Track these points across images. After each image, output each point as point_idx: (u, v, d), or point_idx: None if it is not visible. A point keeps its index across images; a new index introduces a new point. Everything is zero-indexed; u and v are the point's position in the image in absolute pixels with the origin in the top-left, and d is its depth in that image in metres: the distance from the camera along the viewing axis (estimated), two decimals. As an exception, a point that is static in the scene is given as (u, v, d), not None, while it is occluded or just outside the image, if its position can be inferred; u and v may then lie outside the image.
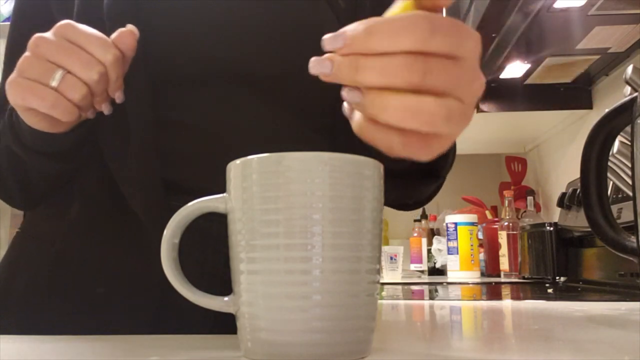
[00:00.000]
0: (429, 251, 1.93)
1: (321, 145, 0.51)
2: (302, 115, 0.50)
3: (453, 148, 0.48)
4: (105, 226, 0.48)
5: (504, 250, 1.60)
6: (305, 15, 0.49)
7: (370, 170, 0.30)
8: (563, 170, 1.67)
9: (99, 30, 0.41)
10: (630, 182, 0.59)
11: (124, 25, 0.42)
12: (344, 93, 0.29)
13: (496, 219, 1.80)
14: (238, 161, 0.30)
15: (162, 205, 0.43)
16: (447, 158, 0.46)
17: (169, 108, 0.47)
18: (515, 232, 1.57)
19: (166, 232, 0.32)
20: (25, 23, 0.51)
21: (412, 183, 0.46)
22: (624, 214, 0.94)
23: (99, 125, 0.46)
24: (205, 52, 0.46)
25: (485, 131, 1.75)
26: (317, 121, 0.52)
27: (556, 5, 1.01)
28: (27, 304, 0.48)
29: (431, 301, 0.85)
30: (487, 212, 1.95)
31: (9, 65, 0.49)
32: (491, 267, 1.71)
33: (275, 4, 0.48)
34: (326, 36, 0.28)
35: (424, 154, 0.30)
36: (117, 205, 0.46)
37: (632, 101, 0.54)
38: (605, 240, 0.55)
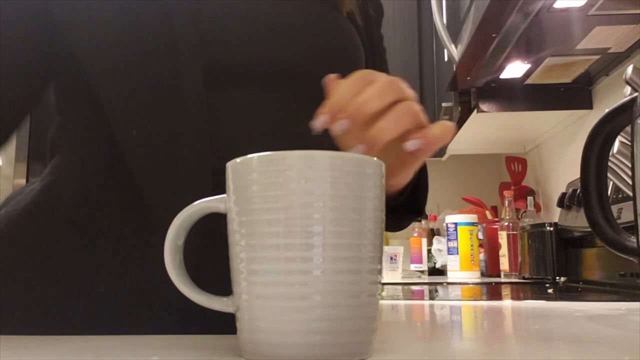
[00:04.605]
0: (429, 251, 1.93)
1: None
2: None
3: (425, 186, 0.56)
4: (114, 231, 0.47)
5: (504, 251, 1.60)
6: (335, 24, 0.53)
7: (372, 169, 0.30)
8: (563, 170, 1.67)
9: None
10: (630, 182, 0.59)
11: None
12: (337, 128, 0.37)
13: (496, 219, 1.80)
14: (237, 160, 0.30)
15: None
16: (425, 195, 0.56)
17: (217, 106, 0.47)
18: (515, 232, 1.57)
19: (169, 234, 0.32)
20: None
21: (399, 218, 0.56)
22: (624, 214, 0.94)
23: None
24: (255, 49, 0.48)
25: (485, 131, 1.75)
26: None
27: (556, 5, 1.01)
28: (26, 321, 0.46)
29: (431, 301, 0.85)
30: (487, 212, 1.95)
31: None
32: (491, 267, 1.72)
33: (309, 12, 0.52)
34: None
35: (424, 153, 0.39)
36: (124, 208, 0.46)
37: (632, 101, 0.54)
38: (605, 240, 0.55)
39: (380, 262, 0.31)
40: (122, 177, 0.46)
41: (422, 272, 1.89)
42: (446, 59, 1.56)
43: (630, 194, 0.53)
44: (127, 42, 0.45)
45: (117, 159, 0.46)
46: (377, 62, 0.60)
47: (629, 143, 0.54)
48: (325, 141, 0.53)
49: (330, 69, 0.51)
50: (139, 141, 0.45)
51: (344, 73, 0.53)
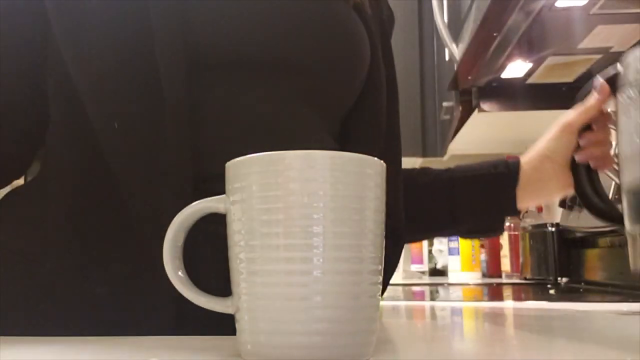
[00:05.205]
0: (429, 252, 1.92)
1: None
2: (322, 114, 0.51)
3: None
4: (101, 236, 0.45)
5: (505, 251, 1.59)
6: (335, 15, 0.51)
7: (372, 169, 0.30)
8: (564, 170, 1.66)
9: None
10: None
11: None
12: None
13: (497, 220, 1.79)
14: (237, 160, 0.30)
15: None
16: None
17: (200, 97, 0.46)
18: (516, 233, 1.56)
19: (168, 235, 0.32)
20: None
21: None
22: (626, 214, 0.94)
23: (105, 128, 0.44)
24: (239, 39, 0.47)
25: (487, 131, 1.74)
26: (335, 125, 0.54)
27: (558, 4, 1.01)
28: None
29: (432, 302, 0.85)
30: (489, 213, 1.94)
31: None
32: (492, 268, 1.71)
33: (309, 3, 0.50)
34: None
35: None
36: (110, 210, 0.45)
37: (615, 77, 0.53)
38: (593, 210, 0.55)
39: (381, 263, 0.31)
40: (111, 177, 0.45)
41: (422, 272, 1.89)
42: (447, 58, 1.56)
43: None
44: (106, 37, 0.44)
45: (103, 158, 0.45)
46: (387, 56, 0.57)
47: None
48: (315, 139, 0.52)
49: (327, 61, 0.50)
50: (119, 139, 0.44)
51: (344, 65, 0.52)
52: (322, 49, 0.50)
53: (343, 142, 0.54)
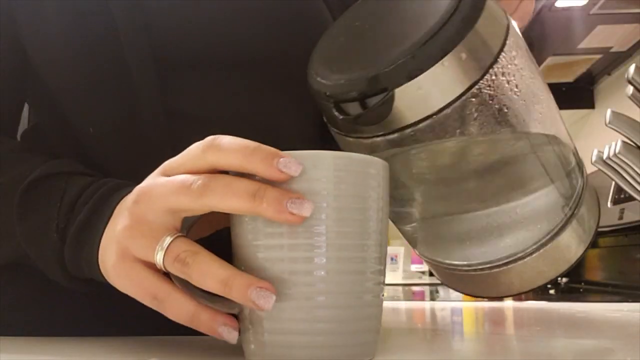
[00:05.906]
0: (429, 251, 1.92)
1: (317, 141, 0.52)
2: (299, 106, 0.51)
3: None
4: None
5: (504, 251, 1.59)
6: (301, 5, 0.51)
7: (376, 169, 0.30)
8: (564, 170, 1.66)
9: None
10: (633, 182, 0.59)
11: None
12: None
13: (497, 219, 1.79)
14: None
15: None
16: None
17: (174, 95, 0.46)
18: (516, 232, 1.56)
19: None
20: None
21: None
22: (627, 214, 0.94)
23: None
24: (207, 37, 0.46)
25: (486, 131, 1.74)
26: (314, 115, 0.53)
27: (558, 4, 1.01)
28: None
29: (432, 302, 0.85)
30: (488, 212, 1.95)
31: None
32: (492, 268, 1.71)
33: None
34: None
35: None
36: None
37: None
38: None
39: (384, 263, 0.31)
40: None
41: (422, 272, 1.89)
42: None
43: (633, 194, 0.53)
44: (71, 41, 0.44)
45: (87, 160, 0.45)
46: None
47: (632, 143, 0.53)
48: (296, 127, 0.52)
49: (296, 52, 0.49)
50: (98, 143, 0.45)
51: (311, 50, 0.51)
52: (290, 40, 0.49)
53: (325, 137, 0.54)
